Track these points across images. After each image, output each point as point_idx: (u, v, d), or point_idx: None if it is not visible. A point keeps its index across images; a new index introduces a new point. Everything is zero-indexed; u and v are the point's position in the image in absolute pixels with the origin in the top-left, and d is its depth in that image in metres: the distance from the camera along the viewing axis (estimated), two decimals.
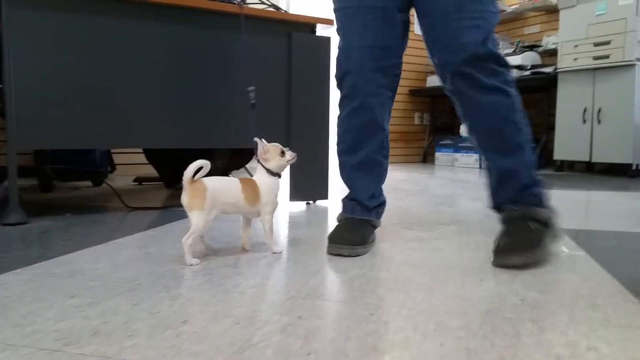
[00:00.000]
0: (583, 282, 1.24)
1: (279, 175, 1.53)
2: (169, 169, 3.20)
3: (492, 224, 1.97)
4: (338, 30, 1.60)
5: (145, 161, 3.28)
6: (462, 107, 1.52)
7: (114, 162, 3.56)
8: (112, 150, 3.51)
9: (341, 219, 1.66)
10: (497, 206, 1.57)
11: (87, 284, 1.19)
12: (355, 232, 1.55)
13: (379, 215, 1.68)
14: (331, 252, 1.51)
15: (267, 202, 1.48)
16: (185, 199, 1.38)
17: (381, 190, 1.70)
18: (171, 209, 2.35)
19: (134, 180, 3.49)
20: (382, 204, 1.70)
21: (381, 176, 1.68)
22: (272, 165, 1.50)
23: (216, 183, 1.41)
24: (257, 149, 1.51)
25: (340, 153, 1.66)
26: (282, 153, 1.52)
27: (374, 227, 1.66)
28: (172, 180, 3.25)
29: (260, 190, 1.47)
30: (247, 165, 3.17)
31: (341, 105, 1.62)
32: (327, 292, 1.16)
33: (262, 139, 1.50)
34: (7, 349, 0.83)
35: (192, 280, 1.23)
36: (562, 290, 1.19)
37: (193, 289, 1.16)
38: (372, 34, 1.52)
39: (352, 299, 1.11)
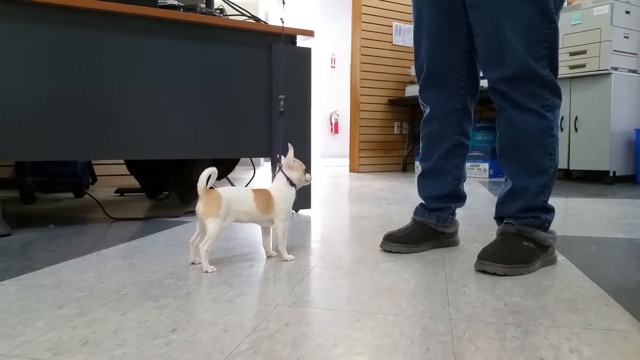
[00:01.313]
0: (564, 287, 1.27)
1: (295, 187, 1.58)
2: (150, 180, 3.19)
3: (474, 232, 2.01)
4: None
5: (125, 172, 3.27)
6: (497, 118, 1.54)
7: (94, 174, 3.54)
8: (93, 162, 3.49)
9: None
10: (499, 217, 1.57)
11: (74, 294, 1.19)
12: (409, 233, 1.70)
13: (440, 219, 1.70)
14: (381, 248, 1.70)
15: (280, 210, 1.53)
16: (200, 207, 1.42)
17: (447, 197, 1.71)
18: (154, 219, 2.34)
19: (116, 192, 3.46)
20: (445, 209, 1.72)
21: (447, 183, 1.70)
22: (293, 176, 1.56)
23: (230, 192, 1.46)
24: (285, 155, 1.58)
25: (419, 159, 1.77)
26: (305, 171, 1.58)
27: (434, 230, 1.71)
28: (153, 191, 3.23)
29: (274, 199, 1.52)
30: (228, 176, 3.17)
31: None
32: (312, 299, 1.17)
33: (280, 150, 1.57)
34: None
35: (179, 290, 1.23)
36: (544, 295, 1.21)
37: (180, 298, 1.17)
38: (430, 55, 1.62)
39: (337, 306, 1.12)
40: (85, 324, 1.00)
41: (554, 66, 1.43)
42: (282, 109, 1.87)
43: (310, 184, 1.61)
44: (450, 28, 1.57)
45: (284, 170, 1.57)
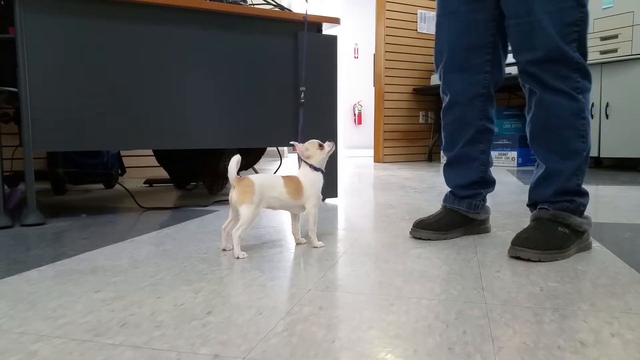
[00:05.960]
0: (601, 272, 1.25)
1: (322, 171, 1.58)
2: (178, 171, 3.22)
3: (504, 219, 1.98)
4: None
5: (153, 164, 3.30)
6: (527, 102, 1.51)
7: (123, 165, 3.59)
8: (122, 154, 3.54)
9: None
10: (533, 203, 1.55)
11: (110, 279, 1.21)
12: (439, 219, 1.68)
13: (471, 206, 1.69)
14: (411, 234, 1.69)
15: (310, 195, 1.53)
16: (234, 195, 1.43)
17: (476, 183, 1.70)
18: (183, 208, 2.36)
19: (145, 182, 3.51)
20: (476, 195, 1.70)
21: (475, 170, 1.69)
22: (314, 161, 1.57)
23: (262, 179, 1.47)
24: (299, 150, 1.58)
25: (442, 149, 1.76)
26: (321, 146, 1.58)
27: (465, 217, 1.69)
28: (181, 181, 3.27)
29: (303, 185, 1.53)
30: (254, 166, 3.19)
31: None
32: (344, 284, 1.17)
33: (298, 142, 1.58)
34: (41, 339, 0.85)
35: (212, 275, 1.24)
36: (581, 280, 1.19)
37: (214, 283, 1.18)
38: (455, 37, 1.59)
39: (370, 291, 1.12)
40: (122, 307, 1.01)
41: (583, 50, 1.40)
42: (302, 100, 1.88)
43: (334, 149, 1.61)
44: (478, 11, 1.54)
45: (305, 161, 1.57)
